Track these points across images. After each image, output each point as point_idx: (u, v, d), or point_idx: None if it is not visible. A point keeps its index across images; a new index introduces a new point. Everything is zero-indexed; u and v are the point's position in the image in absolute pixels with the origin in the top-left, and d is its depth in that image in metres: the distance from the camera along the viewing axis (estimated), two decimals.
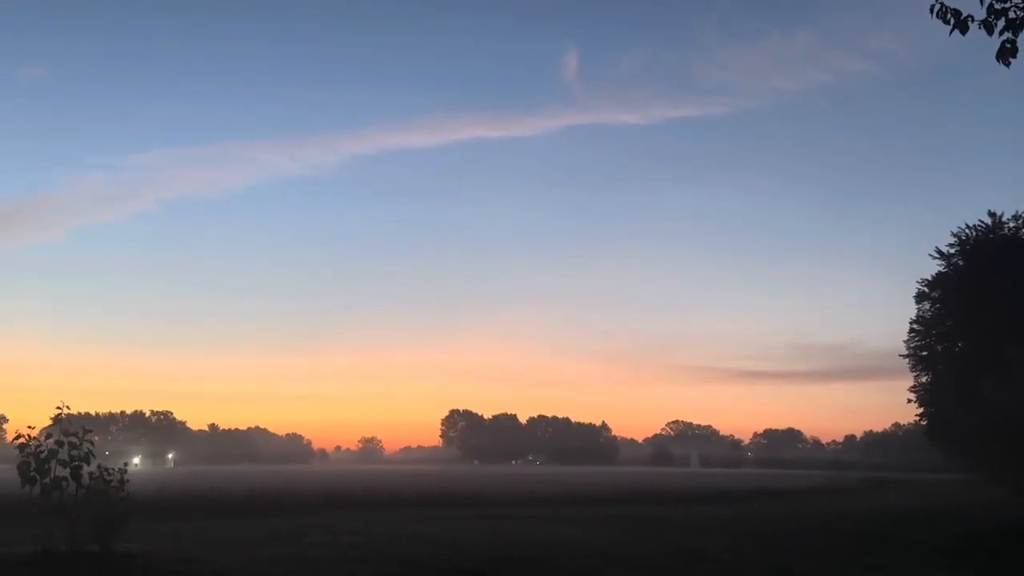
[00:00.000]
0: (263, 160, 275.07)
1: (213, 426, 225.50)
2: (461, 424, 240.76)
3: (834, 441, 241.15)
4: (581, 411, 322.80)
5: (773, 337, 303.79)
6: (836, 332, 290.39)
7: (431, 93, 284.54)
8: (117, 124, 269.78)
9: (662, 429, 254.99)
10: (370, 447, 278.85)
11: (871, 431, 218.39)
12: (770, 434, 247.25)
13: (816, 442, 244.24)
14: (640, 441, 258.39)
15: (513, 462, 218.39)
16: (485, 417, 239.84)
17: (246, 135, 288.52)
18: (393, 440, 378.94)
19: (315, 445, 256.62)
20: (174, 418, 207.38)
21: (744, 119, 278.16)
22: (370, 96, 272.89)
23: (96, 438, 13.82)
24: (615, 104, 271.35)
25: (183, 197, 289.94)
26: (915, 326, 45.14)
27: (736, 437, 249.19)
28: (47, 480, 12.81)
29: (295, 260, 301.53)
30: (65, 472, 12.93)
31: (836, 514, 30.11)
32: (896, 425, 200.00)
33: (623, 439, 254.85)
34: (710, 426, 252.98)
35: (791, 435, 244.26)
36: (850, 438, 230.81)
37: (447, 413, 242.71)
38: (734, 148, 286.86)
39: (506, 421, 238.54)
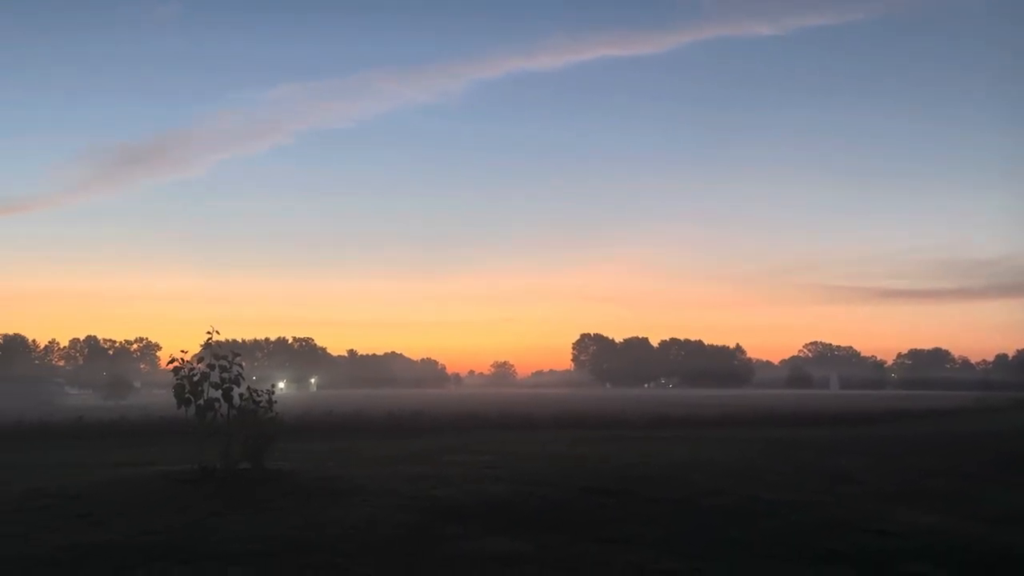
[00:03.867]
0: (392, 90, 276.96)
1: (352, 352, 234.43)
2: (592, 348, 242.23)
3: (984, 361, 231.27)
4: (715, 334, 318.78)
5: (916, 253, 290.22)
6: (985, 247, 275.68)
7: (555, 14, 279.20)
8: (253, 59, 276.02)
9: (799, 351, 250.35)
10: (502, 371, 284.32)
11: None
12: (915, 354, 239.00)
13: (965, 362, 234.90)
14: (776, 363, 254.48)
15: (645, 385, 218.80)
16: (616, 341, 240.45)
17: (376, 65, 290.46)
18: (525, 364, 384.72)
19: (449, 370, 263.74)
20: (315, 344, 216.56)
21: (886, 25, 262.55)
22: (493, 21, 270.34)
23: (244, 363, 14.52)
24: (747, 15, 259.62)
25: (318, 129, 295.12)
26: None
27: (879, 358, 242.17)
28: (200, 402, 13.55)
29: (426, 187, 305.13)
30: (217, 394, 13.67)
31: (983, 433, 29.04)
32: None
33: (759, 361, 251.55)
34: (850, 347, 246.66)
35: (938, 355, 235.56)
36: (1002, 357, 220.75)
37: (578, 337, 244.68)
38: (875, 57, 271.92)
39: (637, 344, 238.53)
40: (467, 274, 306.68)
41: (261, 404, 14.11)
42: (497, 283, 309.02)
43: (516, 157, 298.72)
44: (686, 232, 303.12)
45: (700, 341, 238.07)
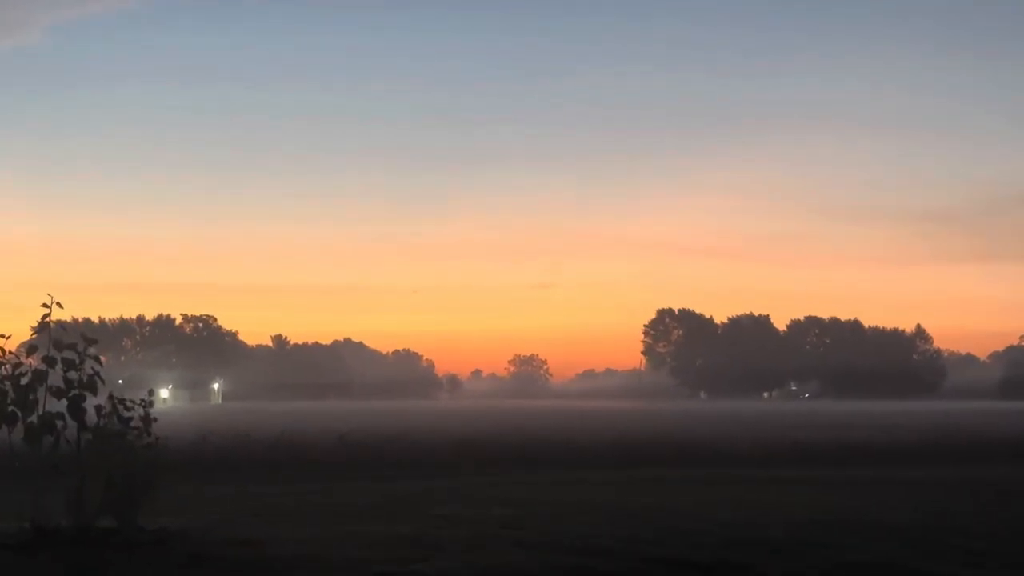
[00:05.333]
0: None
1: (280, 339, 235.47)
2: (677, 333, 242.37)
3: None
4: (879, 310, 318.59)
5: None
6: None
7: None
8: None
9: (1021, 339, 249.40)
10: (528, 371, 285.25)
11: None
12: None
13: None
14: (983, 359, 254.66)
15: (765, 395, 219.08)
16: (716, 321, 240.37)
17: None
18: (565, 361, 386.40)
19: (440, 369, 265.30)
20: (219, 327, 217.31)
21: None
22: None
23: (103, 357, 14.57)
24: None
25: None
26: None
27: None
28: (33, 418, 13.57)
29: (400, 73, 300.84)
30: (60, 406, 13.68)
31: None
32: None
33: (953, 355, 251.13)
34: None
35: None
36: None
37: (654, 315, 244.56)
38: None
39: (752, 327, 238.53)
40: (468, 212, 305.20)
41: (133, 423, 14.17)
42: (519, 227, 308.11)
43: (541, 27, 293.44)
44: (827, 141, 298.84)
45: (856, 322, 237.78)
